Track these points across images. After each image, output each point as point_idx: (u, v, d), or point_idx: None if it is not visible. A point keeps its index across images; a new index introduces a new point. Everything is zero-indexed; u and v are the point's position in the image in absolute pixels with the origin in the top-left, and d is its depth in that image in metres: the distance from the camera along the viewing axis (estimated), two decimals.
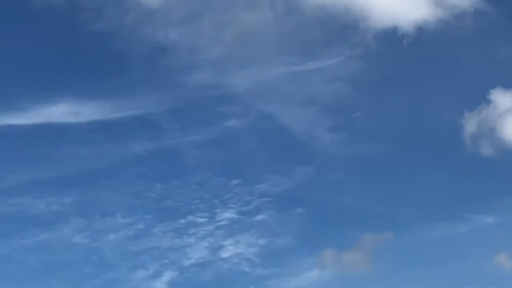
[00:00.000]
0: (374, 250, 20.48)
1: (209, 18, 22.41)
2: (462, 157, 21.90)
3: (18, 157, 22.01)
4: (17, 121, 22.29)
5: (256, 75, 22.82)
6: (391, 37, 21.66)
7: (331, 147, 22.31)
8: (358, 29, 21.69)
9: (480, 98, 21.83)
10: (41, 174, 21.80)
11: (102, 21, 22.29)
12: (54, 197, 21.30)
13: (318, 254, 20.80)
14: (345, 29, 21.87)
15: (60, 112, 22.51)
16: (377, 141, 22.15)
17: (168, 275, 20.17)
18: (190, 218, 21.37)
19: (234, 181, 21.90)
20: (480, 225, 21.12)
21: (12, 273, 19.91)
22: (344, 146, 22.30)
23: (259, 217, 21.40)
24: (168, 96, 23.13)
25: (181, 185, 21.87)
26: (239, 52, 22.48)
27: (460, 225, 21.13)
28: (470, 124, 21.71)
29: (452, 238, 20.83)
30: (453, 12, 21.36)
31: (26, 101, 22.48)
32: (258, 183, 21.80)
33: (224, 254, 20.74)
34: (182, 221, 21.27)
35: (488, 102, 21.81)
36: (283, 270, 20.49)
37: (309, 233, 21.17)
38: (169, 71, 22.80)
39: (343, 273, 20.43)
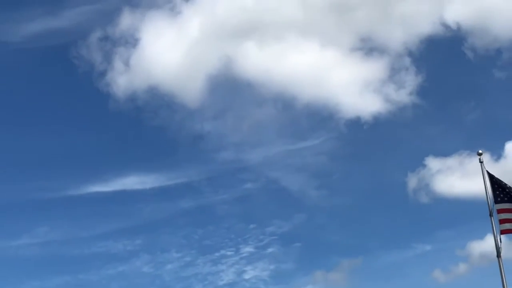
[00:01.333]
0: (350, 271, 30.59)
1: (231, 114, 33.34)
2: (407, 204, 32.33)
3: (103, 213, 32.38)
4: (102, 188, 32.99)
5: (264, 152, 34.05)
6: (356, 124, 32.09)
7: (318, 200, 32.73)
8: (333, 119, 32.22)
9: (418, 163, 31.99)
10: (119, 224, 32.35)
11: (158, 118, 33.17)
12: (129, 240, 31.26)
13: (311, 274, 31.22)
14: (324, 119, 32.65)
15: (131, 181, 33.24)
16: (349, 195, 33.51)
17: None
18: (222, 252, 31.13)
19: (251, 225, 32.00)
20: (421, 251, 31.20)
21: None
22: (326, 199, 33.01)
23: (270, 250, 31.32)
24: (205, 169, 34.39)
25: (215, 229, 31.97)
26: (252, 137, 33.73)
27: (407, 251, 31.31)
28: (412, 181, 32.00)
29: (402, 260, 31.01)
30: (398, 105, 31.86)
31: (108, 174, 33.37)
32: (268, 226, 31.72)
33: (246, 276, 30.09)
34: (217, 254, 30.97)
35: (424, 166, 31.94)
36: (287, 286, 30.72)
37: (304, 260, 31.27)
38: (205, 152, 33.79)
39: (329, 287, 31.09)
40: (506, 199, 13.60)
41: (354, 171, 33.48)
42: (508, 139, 28.14)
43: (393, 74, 30.84)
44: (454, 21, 29.82)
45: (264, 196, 32.54)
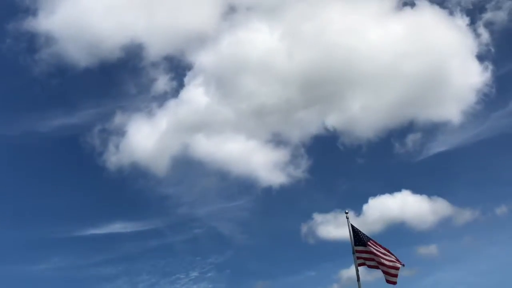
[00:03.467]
0: None
1: (186, 182, 45.42)
2: (300, 244, 43.04)
3: (97, 248, 43.29)
4: (96, 231, 43.60)
5: (208, 208, 46.02)
6: (268, 190, 43.72)
7: (242, 241, 44.00)
8: (253, 187, 43.93)
9: (308, 217, 42.73)
10: (108, 256, 43.16)
11: (137, 184, 44.69)
12: (114, 267, 42.72)
13: None
14: (248, 187, 44.42)
15: (117, 227, 44.82)
16: (262, 238, 44.86)
17: None
18: (177, 275, 41.51)
19: (197, 258, 43.32)
20: (309, 276, 41.79)
21: None
22: (247, 240, 44.05)
23: (209, 274, 41.79)
24: (167, 219, 45.23)
25: (173, 260, 43.47)
26: (201, 198, 45.66)
27: (300, 276, 41.88)
28: (304, 229, 42.28)
29: (296, 282, 41.28)
30: (295, 179, 43.51)
31: (101, 222, 44.59)
32: (208, 258, 42.78)
33: None
34: (173, 277, 41.54)
35: (312, 219, 42.05)
36: None
37: (232, 282, 41.83)
38: (168, 207, 44.85)
39: None
40: (360, 243, 18.82)
41: (266, 222, 46.50)
42: (365, 202, 41.27)
43: (293, 158, 44.39)
44: (331, 126, 43.98)
45: (207, 238, 45.32)
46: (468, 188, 46.24)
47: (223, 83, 44.04)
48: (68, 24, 44.11)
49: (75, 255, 43.65)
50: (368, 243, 19.05)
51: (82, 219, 45.22)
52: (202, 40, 44.74)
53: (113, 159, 43.42)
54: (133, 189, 45.09)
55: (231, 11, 45.00)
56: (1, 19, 47.12)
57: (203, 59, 45.08)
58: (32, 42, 45.33)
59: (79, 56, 44.38)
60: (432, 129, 45.25)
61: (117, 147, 43.96)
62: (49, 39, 43.95)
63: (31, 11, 45.69)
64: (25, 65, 46.12)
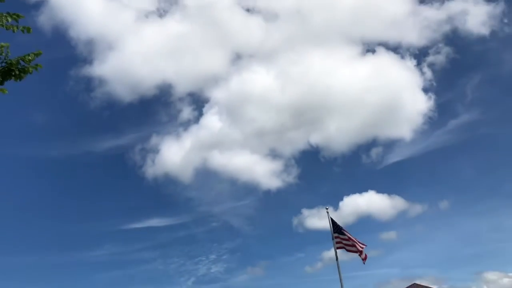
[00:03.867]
0: (265, 267, 53.45)
1: (206, 187, 56.02)
2: (292, 233, 53.97)
3: (139, 238, 56.22)
4: (139, 225, 54.82)
5: (223, 207, 56.88)
6: (268, 192, 54.09)
7: (248, 231, 56.78)
8: (256, 190, 54.19)
9: (298, 212, 53.97)
10: (148, 243, 56.22)
11: (168, 189, 56.16)
12: (151, 252, 54.73)
13: (245, 269, 53.42)
14: (252, 190, 54.57)
15: (154, 221, 55.75)
16: (263, 229, 57.26)
17: None
18: (199, 258, 52.49)
19: (215, 244, 54.68)
20: (299, 257, 54.04)
21: None
22: (252, 231, 56.54)
23: (224, 257, 52.96)
24: (192, 216, 56.56)
25: (196, 246, 55.73)
26: (217, 199, 56.93)
27: (293, 257, 54.28)
28: (295, 221, 52.34)
29: (291, 261, 53.01)
30: (288, 183, 52.98)
31: (142, 217, 57.68)
32: (223, 244, 54.32)
33: (212, 270, 52.23)
34: (197, 259, 52.63)
35: (301, 213, 52.16)
36: (232, 276, 52.13)
37: (241, 261, 54.68)
38: (192, 207, 56.40)
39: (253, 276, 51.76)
40: (337, 231, 22.30)
41: (266, 216, 56.51)
42: (341, 200, 49.09)
43: (286, 168, 53.32)
44: (314, 143, 52.88)
45: (222, 229, 55.21)
46: (418, 188, 56.16)
47: (232, 112, 53.98)
48: (116, 69, 53.98)
49: (122, 243, 54.53)
50: (342, 230, 22.34)
51: (127, 216, 56.98)
52: (216, 80, 54.97)
53: (150, 170, 53.54)
54: (165, 193, 55.65)
55: (237, 58, 54.95)
56: (66, 67, 58.33)
57: (217, 94, 55.14)
58: (89, 84, 56.02)
59: (124, 93, 54.63)
60: (390, 144, 54.77)
61: (153, 161, 54.00)
62: (102, 81, 54.12)
63: (88, 61, 56.66)
64: (84, 102, 56.75)
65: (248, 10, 55.86)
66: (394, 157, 55.44)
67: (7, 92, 8.96)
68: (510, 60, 58.74)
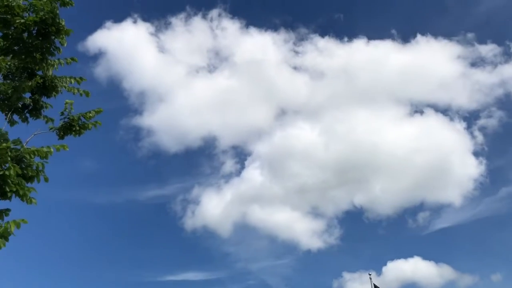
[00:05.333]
0: None
1: (244, 243, 54.29)
2: None
3: None
4: (175, 278, 52.94)
5: (260, 265, 54.47)
6: (307, 252, 51.75)
7: None
8: (296, 249, 52.19)
9: (338, 275, 50.30)
10: None
11: (207, 242, 54.08)
12: None
13: None
14: (291, 249, 52.58)
15: (190, 275, 53.31)
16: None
17: None
18: None
19: None
20: None
21: None
22: None
23: None
24: (229, 272, 54.51)
25: None
26: (255, 255, 55.18)
27: None
28: (335, 285, 48.57)
29: None
30: (330, 244, 50.80)
31: (179, 270, 54.55)
32: None
33: None
34: None
35: (341, 276, 48.42)
36: None
37: None
38: (229, 262, 53.76)
39: None
40: None
41: (305, 277, 53.93)
42: (384, 265, 46.68)
43: (328, 228, 52.07)
44: (358, 203, 51.57)
45: (260, 287, 53.65)
46: (468, 257, 52.66)
47: (274, 167, 54.34)
48: (164, 121, 56.31)
49: None
50: None
51: (164, 267, 55.90)
52: (260, 134, 56.49)
53: (190, 222, 53.73)
54: (203, 246, 55.24)
55: (282, 113, 56.28)
56: (117, 116, 60.23)
57: (260, 148, 56.00)
58: (138, 134, 58.85)
59: (170, 144, 56.63)
60: (438, 209, 52.64)
61: (193, 213, 54.21)
62: (150, 132, 56.71)
63: (139, 112, 59.83)
64: (131, 150, 59.21)
65: (295, 68, 57.53)
66: (442, 223, 53.51)
67: (68, 149, 9.33)
68: None
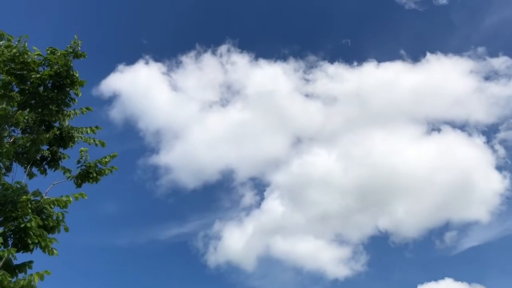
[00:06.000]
0: None
1: (269, 277, 49.45)
2: None
3: None
4: None
5: None
6: (335, 281, 46.74)
7: None
8: (322, 279, 47.94)
9: None
10: None
11: (231, 278, 48.66)
12: None
13: None
14: (317, 279, 47.98)
15: None
16: None
17: None
18: None
19: None
20: None
21: None
22: None
23: None
24: None
25: None
26: None
27: None
28: None
29: None
30: (357, 272, 47.37)
31: None
32: None
33: None
34: None
35: None
36: None
37: None
38: None
39: None
40: None
41: None
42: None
43: (354, 255, 49.48)
44: (383, 228, 49.48)
45: None
46: (502, 276, 51.87)
47: (294, 195, 52.92)
48: (181, 157, 54.80)
49: None
50: None
51: None
52: (277, 164, 54.72)
53: (212, 258, 51.18)
54: (228, 283, 52.01)
55: (298, 141, 54.66)
56: (134, 157, 59.06)
57: (279, 178, 54.16)
58: (155, 173, 56.71)
59: (188, 180, 54.60)
60: (465, 228, 49.98)
61: (215, 248, 51.95)
62: (167, 169, 54.76)
63: (155, 151, 58.04)
64: (150, 189, 57.07)
65: (307, 95, 57.68)
66: (471, 241, 51.52)
67: (86, 197, 9.52)
68: None
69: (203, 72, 60.59)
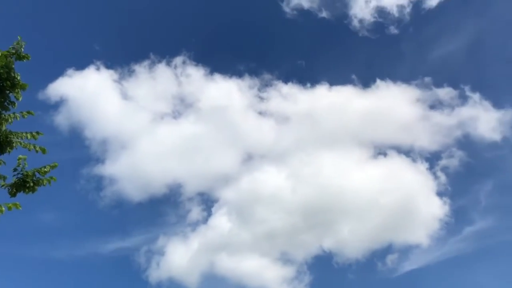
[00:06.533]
0: None
1: None
2: None
3: None
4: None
5: None
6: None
7: None
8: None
9: None
10: None
11: None
12: None
13: None
14: None
15: None
16: None
17: None
18: None
19: None
20: None
21: None
22: None
23: None
24: None
25: None
26: None
27: None
28: None
29: None
30: None
31: None
32: None
33: None
34: None
35: None
36: None
37: None
38: None
39: None
40: None
41: None
42: None
43: (298, 274, 49.36)
44: (327, 248, 50.01)
45: None
46: None
47: (242, 213, 52.33)
48: (127, 169, 53.24)
49: None
50: None
51: None
52: (226, 180, 53.55)
53: (155, 274, 49.67)
54: None
55: (249, 158, 54.31)
56: (78, 166, 56.07)
57: (227, 194, 53.39)
58: (100, 183, 54.00)
59: (134, 192, 52.61)
60: (406, 250, 51.27)
61: (158, 264, 50.51)
62: (112, 180, 52.48)
63: (101, 160, 56.02)
64: (93, 200, 54.36)
65: (260, 113, 58.02)
66: (411, 265, 52.98)
67: (21, 208, 8.90)
68: None
69: (156, 82, 59.60)
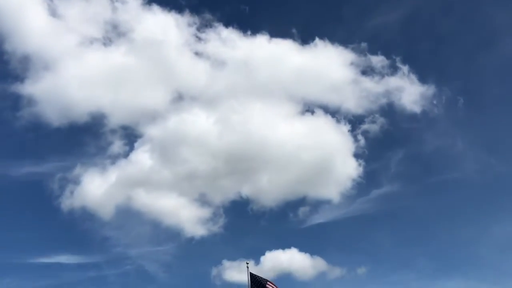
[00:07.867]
0: None
1: (127, 226, 52.32)
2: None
3: None
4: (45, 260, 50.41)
5: (139, 250, 53.07)
6: (191, 239, 51.99)
7: (164, 279, 50.97)
8: (179, 235, 52.62)
9: (218, 263, 49.89)
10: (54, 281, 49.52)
11: (85, 224, 50.96)
12: None
13: None
14: (174, 235, 52.51)
15: (63, 258, 51.96)
16: (177, 278, 52.97)
17: None
18: None
19: None
20: None
21: None
22: (169, 279, 51.78)
23: None
24: (106, 256, 52.11)
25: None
26: (135, 240, 52.72)
27: None
28: (213, 272, 48.76)
29: None
30: (213, 232, 51.44)
31: (48, 252, 52.06)
32: None
33: None
34: None
35: (221, 264, 49.02)
36: None
37: None
38: (108, 247, 52.11)
39: None
40: (258, 286, 23.62)
41: (184, 265, 53.18)
42: (262, 254, 48.24)
43: (213, 216, 51.82)
44: (245, 194, 52.44)
45: (135, 274, 51.48)
46: (339, 252, 55.95)
47: (165, 151, 52.39)
48: (48, 91, 50.97)
49: (25, 278, 48.70)
50: (266, 285, 23.45)
51: (35, 249, 50.85)
52: (153, 116, 53.25)
53: (67, 202, 49.86)
54: (80, 229, 50.89)
55: (179, 98, 53.99)
56: None
57: (152, 131, 53.37)
58: (16, 102, 51.79)
59: (53, 116, 51.19)
60: (317, 204, 54.60)
61: (72, 193, 50.43)
62: (31, 101, 50.64)
63: (20, 78, 51.91)
64: (8, 120, 52.61)
65: (196, 53, 56.62)
66: (320, 218, 56.40)
67: None
68: (431, 141, 61.16)
69: (90, 4, 55.83)
